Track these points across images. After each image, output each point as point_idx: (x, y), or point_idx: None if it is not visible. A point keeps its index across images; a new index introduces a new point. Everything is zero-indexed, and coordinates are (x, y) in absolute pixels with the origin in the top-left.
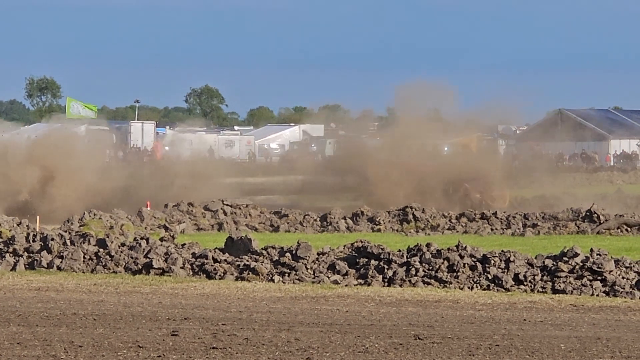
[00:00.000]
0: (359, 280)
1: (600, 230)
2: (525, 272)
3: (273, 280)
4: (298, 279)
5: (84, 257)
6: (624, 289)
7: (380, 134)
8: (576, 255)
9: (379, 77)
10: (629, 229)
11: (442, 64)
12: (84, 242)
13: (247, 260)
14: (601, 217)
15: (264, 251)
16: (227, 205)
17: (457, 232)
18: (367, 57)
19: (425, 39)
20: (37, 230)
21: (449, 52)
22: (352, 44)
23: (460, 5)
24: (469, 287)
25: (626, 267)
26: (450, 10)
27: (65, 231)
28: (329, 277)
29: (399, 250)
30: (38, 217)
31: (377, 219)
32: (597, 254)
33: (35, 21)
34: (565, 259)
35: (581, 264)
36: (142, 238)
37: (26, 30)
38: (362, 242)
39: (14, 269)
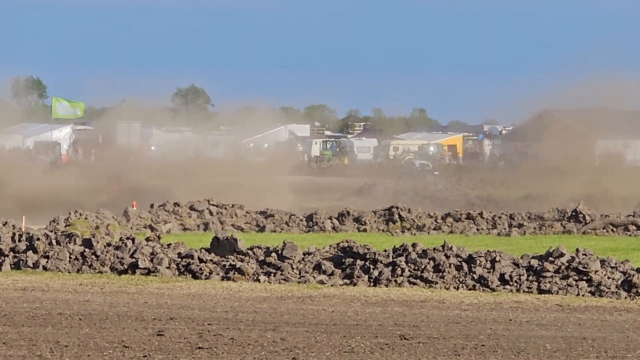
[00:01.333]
0: (345, 280)
1: (586, 231)
2: (511, 272)
3: (259, 280)
4: (284, 279)
5: (70, 257)
6: (609, 289)
7: None
8: (562, 255)
9: (364, 78)
10: (614, 229)
11: (427, 64)
12: (69, 242)
13: (233, 260)
14: (587, 217)
15: (249, 251)
16: (213, 205)
17: (443, 232)
18: (353, 57)
19: (411, 39)
20: (23, 230)
21: (435, 52)
22: (339, 44)
23: (444, 5)
24: (454, 287)
25: (612, 267)
26: (434, 9)
27: (51, 231)
28: (314, 277)
29: (385, 250)
30: (24, 217)
31: (363, 219)
32: (583, 254)
33: (21, 20)
34: (551, 259)
35: (567, 264)
36: (128, 238)
37: (11, 29)
38: (347, 242)
39: None
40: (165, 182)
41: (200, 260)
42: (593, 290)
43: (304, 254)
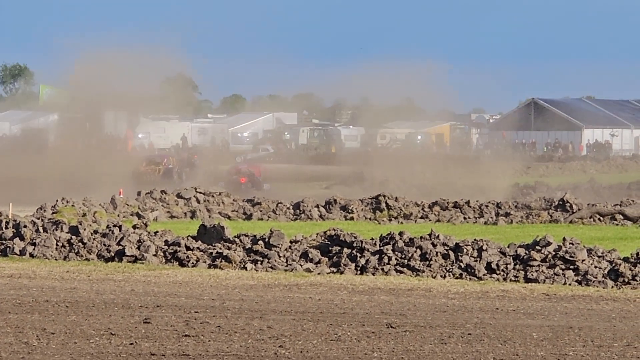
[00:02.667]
0: (332, 269)
1: (572, 220)
2: (498, 261)
3: (246, 268)
4: (271, 267)
5: (57, 244)
6: (596, 278)
7: None
8: (549, 244)
9: (352, 67)
10: (601, 218)
11: (416, 52)
12: (56, 229)
13: (220, 248)
14: (574, 206)
15: (236, 239)
16: (200, 193)
17: (430, 220)
18: (340, 45)
19: (399, 27)
20: (10, 217)
21: (424, 39)
22: (327, 32)
23: None
24: (441, 276)
25: (598, 257)
26: None
27: (38, 218)
28: (301, 265)
29: (372, 239)
30: (10, 204)
31: (350, 208)
32: (570, 243)
33: (7, 7)
34: (537, 248)
35: (554, 253)
36: (114, 225)
37: None
38: (334, 230)
39: None
40: None
41: (187, 248)
42: (580, 279)
43: (291, 242)
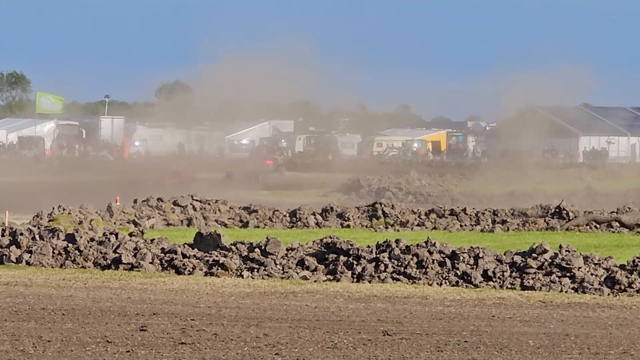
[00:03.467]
0: (328, 276)
1: (569, 227)
2: (494, 268)
3: (242, 276)
4: (267, 275)
5: (53, 252)
6: (592, 285)
7: None
8: (545, 251)
9: (349, 74)
10: (597, 225)
11: (412, 60)
12: (53, 237)
13: (216, 256)
14: (570, 213)
15: (233, 247)
16: (197, 200)
17: (427, 228)
18: (337, 53)
19: (396, 35)
20: (6, 224)
21: (420, 47)
22: (323, 40)
23: (428, 1)
24: (437, 283)
25: (595, 264)
26: (418, 5)
27: (35, 226)
28: (298, 273)
29: (368, 246)
30: (7, 211)
31: (347, 215)
32: (566, 251)
33: (5, 15)
34: (534, 255)
35: (550, 261)
36: (111, 233)
37: None
38: (331, 237)
39: None
40: None
41: (184, 256)
42: (576, 286)
43: (288, 250)
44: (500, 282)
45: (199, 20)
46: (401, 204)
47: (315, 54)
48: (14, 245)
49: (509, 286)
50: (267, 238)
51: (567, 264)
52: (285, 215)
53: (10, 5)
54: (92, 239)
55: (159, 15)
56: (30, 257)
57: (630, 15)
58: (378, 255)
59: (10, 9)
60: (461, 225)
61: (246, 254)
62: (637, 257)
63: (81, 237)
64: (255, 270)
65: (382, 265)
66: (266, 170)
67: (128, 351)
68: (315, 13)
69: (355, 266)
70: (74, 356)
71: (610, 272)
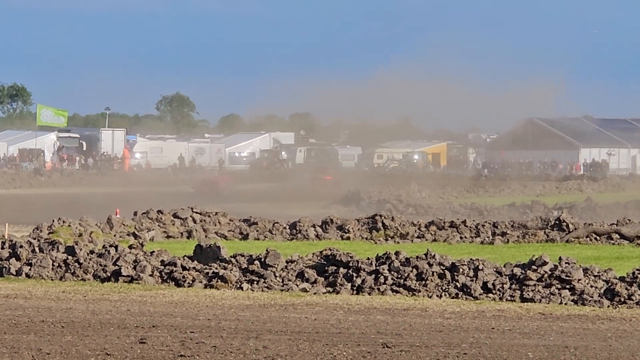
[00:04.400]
0: (328, 289)
1: (569, 239)
2: (494, 280)
3: (242, 288)
4: (267, 287)
5: (53, 265)
6: (592, 297)
7: None
8: (545, 263)
9: (349, 86)
10: (597, 237)
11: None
12: (52, 250)
13: (216, 268)
14: (570, 225)
15: (232, 259)
16: (197, 212)
17: (427, 240)
18: (335, 64)
19: (396, 47)
20: (6, 237)
21: (420, 55)
22: (324, 52)
23: (430, 10)
24: (437, 296)
25: (594, 276)
26: (420, 15)
27: (34, 238)
28: (297, 285)
29: (368, 259)
30: (7, 224)
31: (347, 227)
32: (566, 263)
33: (6, 27)
34: (533, 267)
35: (550, 273)
36: (111, 246)
37: None
38: (331, 250)
39: None
40: None
41: (183, 268)
42: (576, 298)
43: (287, 262)
44: (500, 294)
45: (197, 32)
46: (401, 216)
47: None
48: (13, 258)
49: (509, 298)
50: (266, 250)
51: (566, 276)
52: (285, 228)
53: (11, 17)
54: (91, 252)
55: (159, 27)
56: (29, 269)
57: (629, 26)
58: (378, 268)
59: (12, 21)
60: (461, 237)
61: (246, 266)
62: (637, 269)
63: (81, 249)
64: (255, 282)
65: (382, 277)
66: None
67: None
68: (315, 20)
69: (355, 278)
70: None
71: (610, 284)
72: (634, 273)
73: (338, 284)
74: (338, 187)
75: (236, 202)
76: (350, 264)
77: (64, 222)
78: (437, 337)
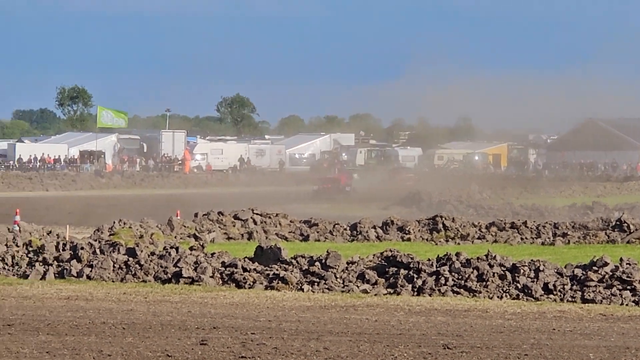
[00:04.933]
0: (388, 290)
1: (630, 240)
2: (555, 281)
3: (302, 290)
4: (327, 288)
5: (114, 266)
6: None
7: None
8: (606, 264)
9: (409, 87)
10: None
11: (473, 73)
12: (113, 251)
13: (277, 270)
14: (631, 226)
15: (293, 260)
16: (257, 214)
17: (487, 241)
18: (397, 66)
19: (456, 46)
20: (67, 239)
21: (480, 59)
22: (384, 53)
23: (486, 9)
24: (498, 297)
25: None
26: (478, 14)
27: (95, 240)
28: (358, 287)
29: (429, 260)
30: (68, 225)
31: (407, 228)
32: (627, 264)
33: (67, 30)
34: (594, 268)
35: (611, 274)
36: (171, 247)
37: (58, 39)
38: (391, 251)
39: (43, 277)
40: None
41: (244, 270)
42: (637, 299)
43: (348, 263)
44: (560, 295)
45: (257, 34)
46: (462, 217)
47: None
48: (74, 260)
49: (570, 299)
50: (327, 251)
51: (627, 277)
52: (345, 229)
53: (72, 20)
54: (152, 253)
55: (219, 29)
56: (91, 271)
57: None
58: (438, 269)
59: (73, 24)
60: (522, 238)
61: (306, 267)
62: None
63: (142, 251)
64: (316, 283)
65: (443, 278)
66: None
67: None
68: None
69: (415, 279)
70: None
71: None
72: None
73: (399, 285)
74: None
75: (297, 203)
76: (411, 265)
77: (124, 223)
78: (498, 338)
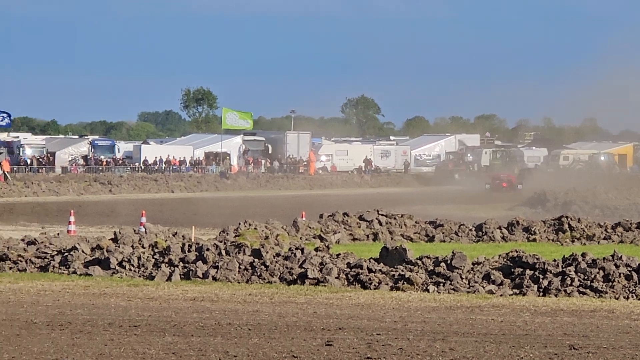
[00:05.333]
0: (514, 290)
1: None
2: None
3: (428, 290)
4: (453, 289)
5: (239, 268)
6: None
7: None
8: None
9: (535, 87)
10: None
11: (598, 72)
12: (239, 253)
13: (402, 270)
14: None
15: (418, 261)
16: (382, 215)
17: (613, 241)
18: (522, 66)
19: (582, 46)
20: (193, 240)
21: (605, 60)
22: (509, 53)
23: (614, 11)
24: (624, 297)
25: None
26: (604, 16)
27: (221, 241)
28: (483, 287)
29: (554, 260)
30: (193, 227)
31: (533, 229)
32: None
33: (192, 33)
34: None
35: None
36: (297, 248)
37: (183, 41)
38: (517, 251)
39: (169, 279)
40: None
41: (369, 270)
42: None
43: (473, 264)
44: None
45: (381, 34)
46: (587, 217)
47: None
48: (200, 261)
49: None
50: (452, 252)
51: None
52: (471, 230)
53: (197, 23)
54: (278, 254)
55: (343, 30)
56: (216, 272)
57: None
58: (564, 269)
59: (197, 27)
60: None
61: (432, 268)
62: None
63: (267, 252)
64: (441, 284)
65: (569, 279)
66: None
67: None
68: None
69: (541, 280)
70: None
71: None
72: None
73: (524, 286)
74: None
75: (422, 204)
76: (537, 266)
77: (250, 225)
78: (625, 338)
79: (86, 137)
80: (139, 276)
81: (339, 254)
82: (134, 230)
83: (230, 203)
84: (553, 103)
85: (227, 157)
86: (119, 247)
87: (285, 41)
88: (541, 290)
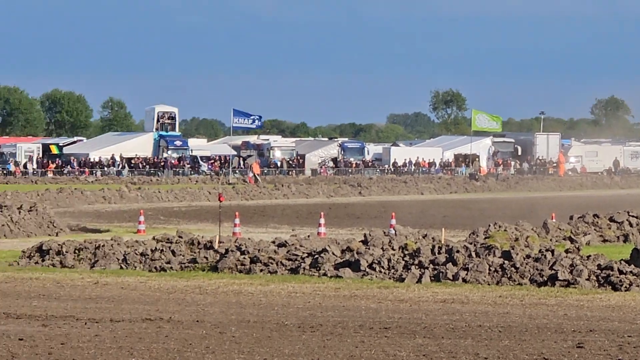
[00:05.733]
0: None
1: None
2: None
3: None
4: None
5: (489, 269)
6: None
7: None
8: None
9: None
10: None
11: None
12: (489, 254)
13: None
14: None
15: None
16: (633, 216)
17: None
18: None
19: None
20: (443, 242)
21: None
22: None
23: None
24: None
25: None
26: None
27: (471, 243)
28: None
29: None
30: (443, 229)
31: None
32: None
33: (440, 34)
34: None
35: None
36: (547, 250)
37: (432, 43)
38: None
39: (419, 281)
40: None
41: (620, 272)
42: None
43: None
44: None
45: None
46: None
47: None
48: (450, 263)
49: None
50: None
51: None
52: None
53: (447, 24)
54: (528, 256)
55: (593, 30)
56: (466, 274)
57: None
58: None
59: (448, 28)
60: None
61: None
62: None
63: (517, 254)
64: None
65: None
66: None
67: None
68: None
69: None
70: None
71: None
72: None
73: None
74: None
75: None
76: None
77: (499, 226)
78: None
79: (336, 139)
80: (389, 278)
81: (589, 256)
82: (384, 232)
83: (479, 205)
84: None
85: (477, 159)
86: (369, 249)
87: (534, 42)
88: None
